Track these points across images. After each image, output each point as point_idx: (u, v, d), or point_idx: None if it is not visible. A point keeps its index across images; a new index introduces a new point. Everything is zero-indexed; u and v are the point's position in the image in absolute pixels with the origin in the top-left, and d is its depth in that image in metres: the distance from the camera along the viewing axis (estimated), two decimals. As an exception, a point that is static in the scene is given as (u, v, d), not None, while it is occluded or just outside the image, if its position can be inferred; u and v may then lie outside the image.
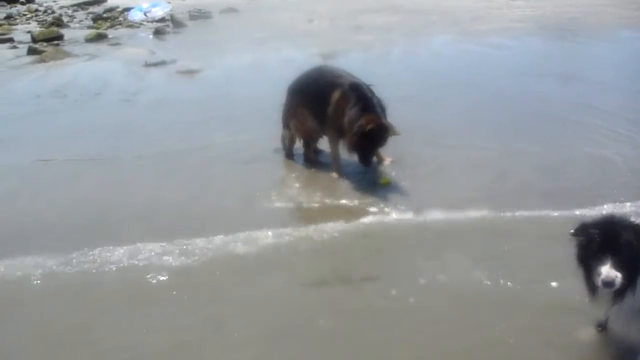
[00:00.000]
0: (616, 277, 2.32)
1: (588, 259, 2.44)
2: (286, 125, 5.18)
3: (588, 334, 2.86)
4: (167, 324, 3.11)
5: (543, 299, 3.15)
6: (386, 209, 4.25)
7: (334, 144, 4.93)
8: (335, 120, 4.73)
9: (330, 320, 3.08)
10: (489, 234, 3.87)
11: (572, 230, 2.52)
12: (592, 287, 2.49)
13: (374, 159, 4.92)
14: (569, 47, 9.76)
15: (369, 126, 4.45)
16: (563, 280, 3.27)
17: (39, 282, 3.50)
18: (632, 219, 2.46)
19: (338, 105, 4.68)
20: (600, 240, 2.38)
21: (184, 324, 3.10)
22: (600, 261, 2.36)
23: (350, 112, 4.56)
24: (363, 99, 4.59)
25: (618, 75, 7.68)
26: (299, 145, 5.28)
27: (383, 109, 4.68)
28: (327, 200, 4.48)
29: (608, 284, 2.33)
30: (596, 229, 2.42)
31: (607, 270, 2.33)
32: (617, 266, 2.33)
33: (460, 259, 3.59)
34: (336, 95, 4.70)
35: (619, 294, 2.40)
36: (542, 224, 3.93)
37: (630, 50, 9.64)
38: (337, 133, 4.79)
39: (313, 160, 5.17)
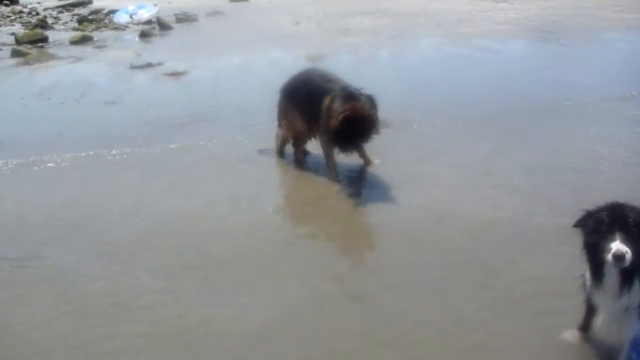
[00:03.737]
0: (626, 252, 2.34)
1: (597, 242, 2.45)
2: (280, 124, 5.22)
3: (572, 335, 2.87)
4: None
5: (525, 300, 3.18)
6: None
7: (329, 150, 4.86)
8: (327, 126, 4.69)
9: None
10: (467, 235, 3.90)
11: (577, 221, 2.56)
12: (598, 274, 2.49)
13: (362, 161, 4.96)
14: (552, 49, 9.88)
15: (347, 112, 4.41)
16: (546, 281, 3.32)
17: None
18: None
19: (328, 109, 4.65)
20: (609, 221, 2.42)
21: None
22: (609, 239, 2.39)
23: (334, 104, 4.54)
24: (347, 92, 4.59)
25: (600, 77, 7.79)
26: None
27: (373, 104, 4.65)
28: (314, 202, 4.50)
29: (618, 257, 2.33)
30: (604, 212, 2.46)
31: (618, 245, 2.35)
32: (627, 243, 2.35)
33: (442, 254, 3.65)
34: (327, 101, 4.67)
35: (627, 280, 2.41)
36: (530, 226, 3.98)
37: (613, 52, 9.78)
38: (329, 136, 4.73)
39: (301, 161, 5.18)
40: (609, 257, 2.36)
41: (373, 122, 4.53)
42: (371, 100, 4.66)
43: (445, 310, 3.13)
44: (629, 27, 11.30)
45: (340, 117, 4.43)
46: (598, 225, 2.45)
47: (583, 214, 2.56)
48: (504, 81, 7.77)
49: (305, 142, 5.19)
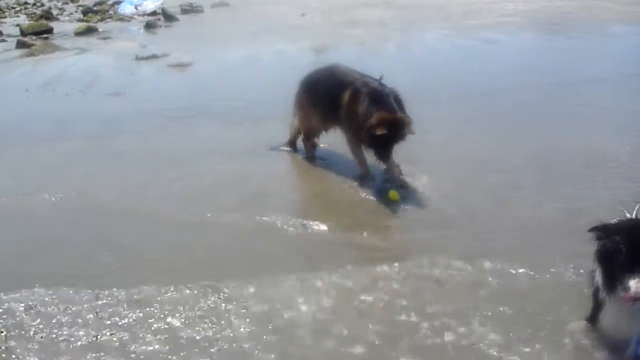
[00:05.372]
0: None
1: (612, 265, 2.33)
2: (295, 115, 5.16)
3: (579, 328, 2.85)
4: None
5: (532, 292, 3.15)
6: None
7: (356, 148, 4.68)
8: (351, 123, 4.55)
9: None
10: (472, 230, 3.86)
11: (593, 228, 2.42)
12: (610, 288, 2.38)
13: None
14: (560, 41, 9.77)
15: (379, 129, 4.16)
16: (552, 274, 3.29)
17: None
18: None
19: (349, 106, 4.52)
20: (627, 250, 2.27)
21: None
22: (627, 273, 2.24)
23: (362, 109, 4.35)
24: (373, 93, 4.38)
25: (610, 70, 7.71)
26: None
27: (399, 101, 4.45)
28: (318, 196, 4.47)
29: (638, 300, 2.21)
30: (621, 236, 2.31)
31: (637, 286, 2.20)
32: None
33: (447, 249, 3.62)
34: (346, 96, 4.54)
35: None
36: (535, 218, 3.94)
37: (623, 45, 9.67)
38: (356, 135, 4.55)
39: (310, 155, 5.16)
40: (627, 296, 2.23)
41: (403, 127, 4.27)
42: (396, 97, 4.44)
43: (446, 304, 3.10)
44: (638, 20, 11.16)
45: (370, 133, 4.23)
46: (615, 250, 2.29)
47: (600, 224, 2.42)
48: (511, 74, 7.69)
49: (315, 136, 5.16)
